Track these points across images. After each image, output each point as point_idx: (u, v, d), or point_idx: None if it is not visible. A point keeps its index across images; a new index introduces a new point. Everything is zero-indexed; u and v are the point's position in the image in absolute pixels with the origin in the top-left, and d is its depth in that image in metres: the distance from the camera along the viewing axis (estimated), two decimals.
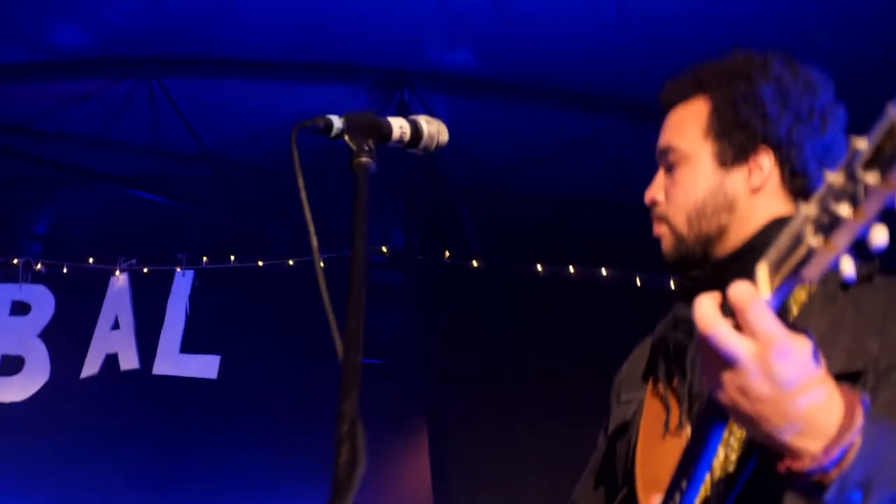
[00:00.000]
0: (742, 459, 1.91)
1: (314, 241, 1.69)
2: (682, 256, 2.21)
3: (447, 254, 6.46)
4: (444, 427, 6.56)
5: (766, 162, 2.12)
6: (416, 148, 2.04)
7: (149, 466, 7.98)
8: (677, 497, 1.84)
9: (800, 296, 2.02)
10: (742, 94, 2.13)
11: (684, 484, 1.81)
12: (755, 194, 2.12)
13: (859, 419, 1.49)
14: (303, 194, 1.74)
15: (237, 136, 6.46)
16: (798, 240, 1.37)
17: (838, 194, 1.29)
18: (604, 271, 6.18)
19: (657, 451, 2.11)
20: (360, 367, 1.43)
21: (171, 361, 6.42)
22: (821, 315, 1.94)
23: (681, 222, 2.18)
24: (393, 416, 7.76)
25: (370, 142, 1.88)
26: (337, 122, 1.87)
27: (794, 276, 1.40)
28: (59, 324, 6.66)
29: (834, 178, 1.30)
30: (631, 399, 2.32)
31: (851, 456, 1.49)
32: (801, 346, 1.47)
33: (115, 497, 7.60)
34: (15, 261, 6.65)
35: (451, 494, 6.40)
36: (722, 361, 1.50)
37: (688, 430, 2.13)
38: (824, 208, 1.31)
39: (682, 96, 2.25)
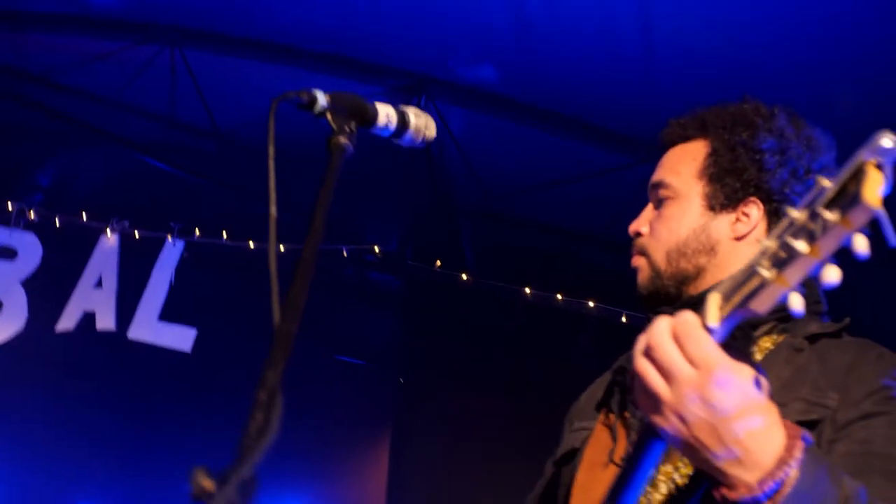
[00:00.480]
0: (684, 496, 1.89)
1: (272, 210, 1.65)
2: (656, 291, 2.20)
3: (438, 263, 6.45)
4: (407, 432, 6.54)
5: (754, 212, 2.11)
6: (400, 138, 2.02)
7: (115, 432, 7.96)
8: None
9: (765, 344, 2.01)
10: (742, 142, 2.14)
11: None
12: (738, 241, 2.12)
13: (798, 454, 1.48)
14: (270, 164, 1.71)
15: (250, 116, 6.45)
16: (752, 272, 1.37)
17: (798, 231, 1.30)
18: (591, 304, 6.16)
19: (597, 479, 2.09)
20: (292, 338, 1.40)
21: (148, 328, 6.38)
22: (784, 363, 1.94)
23: (660, 258, 2.19)
24: (361, 415, 7.75)
25: (353, 124, 1.85)
26: (321, 98, 1.84)
27: (744, 308, 1.40)
28: (44, 275, 6.63)
29: (797, 214, 1.31)
30: (583, 427, 2.32)
31: (787, 490, 1.47)
32: (742, 375, 1.47)
33: (77, 458, 7.57)
34: (10, 206, 6.64)
35: (405, 497, 6.36)
36: (661, 383, 1.49)
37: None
38: (783, 243, 1.32)
39: (684, 137, 2.27)
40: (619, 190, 5.84)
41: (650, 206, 2.26)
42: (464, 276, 6.38)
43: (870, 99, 4.98)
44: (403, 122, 1.97)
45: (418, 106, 6.14)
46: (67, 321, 6.44)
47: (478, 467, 6.10)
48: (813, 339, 1.98)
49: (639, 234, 2.25)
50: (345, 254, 6.48)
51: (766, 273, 1.33)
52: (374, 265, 6.75)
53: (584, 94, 5.84)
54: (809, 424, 1.79)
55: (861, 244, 1.26)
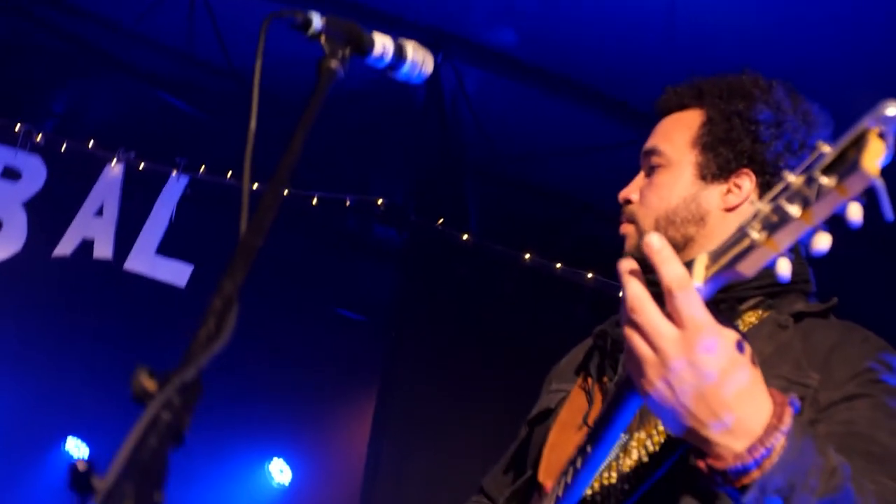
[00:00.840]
0: (654, 463, 1.88)
1: (252, 124, 1.63)
2: (642, 259, 2.17)
3: (441, 220, 6.42)
4: (394, 388, 6.53)
5: (746, 183, 2.09)
6: (396, 71, 1.98)
7: (107, 363, 7.97)
8: (570, 473, 1.80)
9: (749, 318, 2.00)
10: (738, 112, 2.12)
11: (579, 462, 1.78)
12: (728, 212, 2.10)
13: (787, 421, 1.45)
14: (256, 79, 1.68)
15: (266, 61, 6.40)
16: (742, 234, 1.35)
17: (793, 195, 1.27)
18: (589, 275, 6.13)
19: (569, 440, 2.08)
20: (254, 252, 1.38)
21: (145, 260, 6.36)
22: (767, 339, 1.93)
23: (649, 225, 2.17)
24: (351, 368, 7.76)
25: (347, 50, 1.82)
26: (317, 20, 1.81)
27: (730, 269, 1.37)
28: (45, 199, 6.62)
29: (793, 179, 1.28)
30: (560, 389, 2.32)
31: (775, 458, 1.45)
32: (726, 337, 1.43)
33: (68, 388, 7.59)
34: (18, 126, 6.62)
35: (385, 453, 6.37)
36: (646, 348, 1.46)
37: None
38: (776, 207, 1.29)
39: (680, 105, 2.26)
40: (629, 165, 5.78)
41: (641, 174, 2.26)
42: (465, 236, 6.35)
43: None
44: (400, 54, 1.93)
45: (435, 63, 6.09)
46: (65, 247, 6.42)
47: (461, 427, 6.11)
48: (798, 317, 1.96)
49: (628, 202, 2.24)
50: (348, 203, 6.44)
51: (756, 235, 1.31)
52: (378, 218, 6.71)
53: (602, 66, 5.78)
54: None
55: (855, 212, 1.24)
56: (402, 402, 6.41)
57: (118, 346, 7.97)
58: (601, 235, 6.20)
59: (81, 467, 1.10)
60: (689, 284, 1.42)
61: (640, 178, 2.25)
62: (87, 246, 6.46)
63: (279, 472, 8.76)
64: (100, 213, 6.45)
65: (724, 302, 1.97)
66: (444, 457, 5.97)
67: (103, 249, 6.36)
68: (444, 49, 5.99)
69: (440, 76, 6.03)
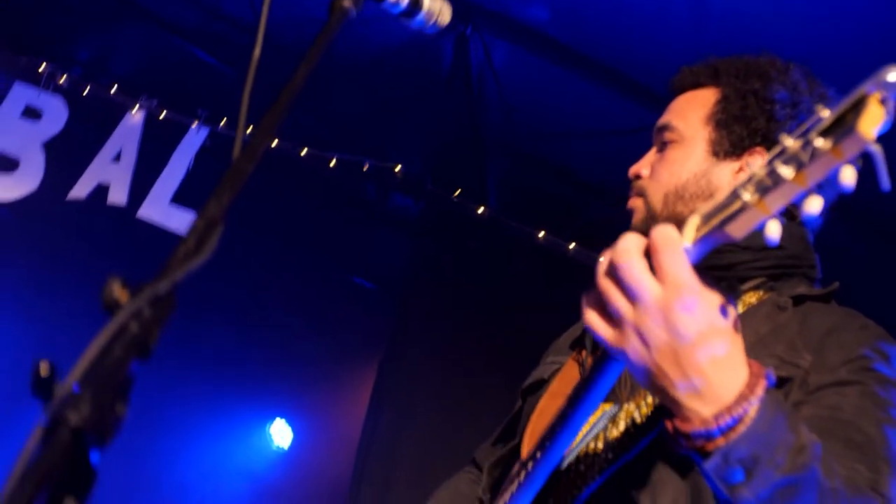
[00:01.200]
0: (640, 434, 1.86)
1: (257, 51, 1.60)
2: (648, 233, 2.16)
3: (458, 192, 6.39)
4: (398, 357, 6.51)
5: (758, 162, 2.06)
6: (411, 19, 1.94)
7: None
8: (548, 438, 1.79)
9: (750, 299, 1.99)
10: (754, 90, 2.12)
11: (557, 427, 1.76)
12: None
13: (759, 392, 1.42)
14: (265, 7, 1.65)
15: (293, 17, 6.38)
16: (735, 195, 1.32)
17: (788, 158, 1.25)
18: (602, 258, 6.09)
19: (556, 406, 2.06)
20: (245, 176, 1.35)
21: (159, 209, 6.35)
22: (764, 319, 1.91)
23: (657, 200, 2.17)
24: (357, 334, 7.76)
25: None
26: None
27: (720, 230, 1.35)
28: (64, 141, 6.61)
29: (789, 142, 1.26)
30: (555, 361, 2.33)
31: (741, 429, 1.42)
32: (709, 300, 1.40)
33: (75, 332, 7.61)
34: (42, 66, 6.61)
35: (383, 420, 6.36)
36: (623, 302, 1.43)
37: None
38: (771, 170, 1.27)
39: (695, 84, 2.26)
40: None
41: (653, 150, 2.26)
42: (481, 210, 6.32)
43: None
44: (416, 1, 1.89)
45: (462, 34, 6.05)
46: (81, 190, 6.42)
47: (461, 401, 6.08)
48: (799, 300, 1.94)
49: (638, 177, 2.24)
50: (366, 168, 6.42)
51: (748, 197, 1.29)
52: (395, 185, 6.69)
53: (631, 50, 5.73)
54: (778, 382, 1.75)
55: (848, 176, 1.21)
56: (404, 372, 6.40)
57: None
58: (617, 219, 6.16)
59: (44, 371, 1.09)
60: (675, 242, 1.39)
61: (651, 154, 2.25)
62: (102, 191, 6.45)
63: (280, 434, 8.80)
64: (117, 158, 6.43)
65: (725, 280, 1.95)
66: (443, 429, 5.95)
67: (118, 195, 6.36)
68: (473, 21, 5.95)
69: (468, 48, 5.99)
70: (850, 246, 5.33)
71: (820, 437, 1.55)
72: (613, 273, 1.44)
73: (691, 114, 2.18)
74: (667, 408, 1.48)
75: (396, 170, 6.45)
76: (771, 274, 1.99)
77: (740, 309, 1.96)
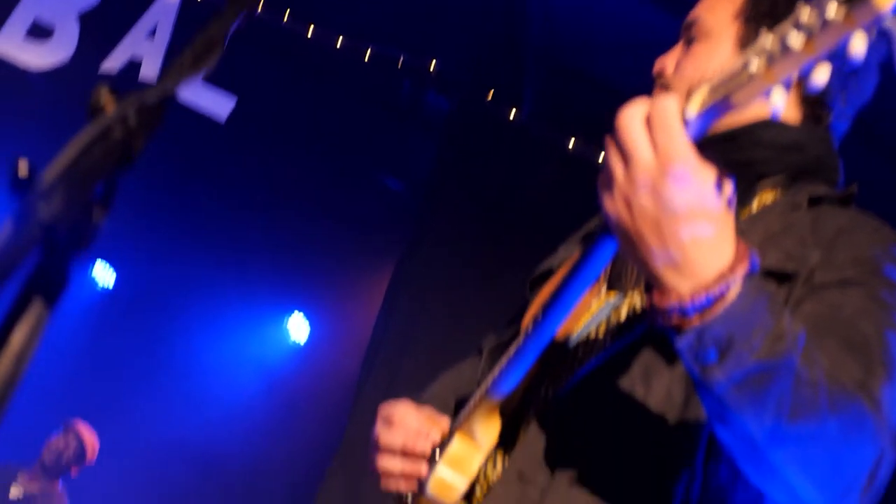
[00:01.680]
0: (638, 321, 1.84)
1: None
2: None
3: (491, 94, 6.31)
4: (417, 257, 6.47)
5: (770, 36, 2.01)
6: None
7: (136, 187, 8.03)
8: (541, 314, 1.76)
9: (766, 197, 1.94)
10: None
11: (550, 303, 1.74)
12: None
13: (741, 271, 1.37)
14: None
15: None
16: (743, 66, 1.27)
17: (799, 26, 1.20)
18: None
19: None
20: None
21: (190, 87, 6.29)
22: (777, 217, 1.86)
23: (681, 95, 2.11)
24: (380, 232, 7.76)
25: None
26: None
27: (725, 101, 1.31)
28: (101, 14, 6.55)
29: (803, 11, 1.20)
30: (566, 253, 2.30)
31: (718, 309, 1.37)
32: (702, 176, 1.36)
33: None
34: None
35: (396, 317, 6.35)
36: (619, 164, 1.40)
37: (600, 286, 2.06)
38: (780, 39, 1.22)
39: None
40: None
41: (679, 46, 2.20)
42: (512, 114, 6.25)
43: None
44: None
45: None
46: (113, 62, 6.38)
47: (476, 304, 6.05)
48: (815, 201, 1.88)
49: (662, 73, 2.19)
50: (400, 64, 6.34)
51: (755, 67, 1.24)
52: (429, 83, 6.60)
53: None
54: (783, 277, 1.70)
55: (858, 45, 1.16)
56: (420, 272, 6.35)
57: (151, 171, 8.01)
58: None
59: (22, 170, 1.05)
60: (672, 111, 1.35)
61: (677, 50, 2.19)
62: (134, 66, 6.43)
63: (297, 328, 8.88)
64: (152, 34, 6.39)
65: (742, 176, 1.90)
66: (455, 330, 5.93)
67: (150, 70, 6.32)
68: None
69: None
70: (874, 174, 5.24)
71: (816, 334, 1.50)
72: (614, 135, 1.40)
73: (720, 9, 2.11)
74: (648, 281, 1.44)
75: (431, 67, 6.35)
76: (790, 174, 1.94)
77: (755, 208, 1.91)
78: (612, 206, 1.41)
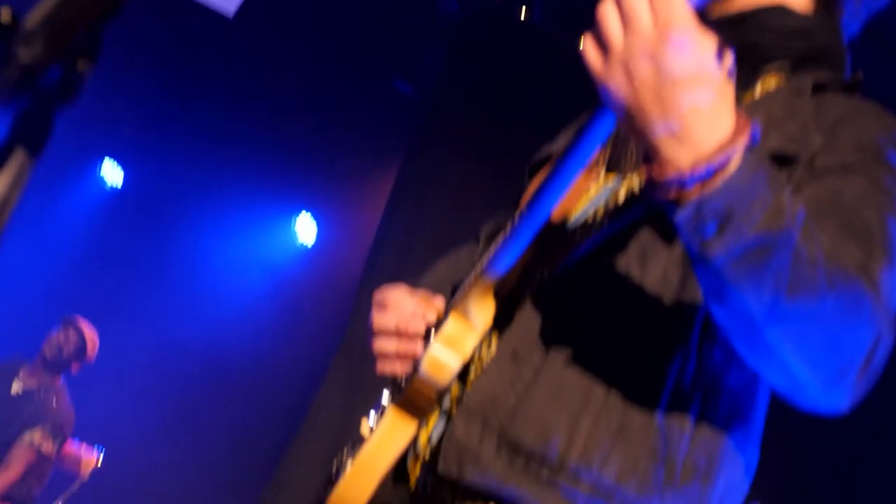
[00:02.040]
0: (635, 202, 1.81)
1: None
2: None
3: None
4: (422, 159, 6.44)
5: None
6: None
7: (146, 85, 7.99)
8: (538, 193, 1.74)
9: (770, 81, 1.90)
10: None
11: (547, 181, 1.71)
12: None
13: (741, 143, 1.35)
14: None
15: None
16: None
17: None
18: None
19: None
20: None
21: None
22: (780, 102, 1.82)
23: None
24: (387, 135, 7.72)
25: None
26: None
27: None
28: None
29: None
30: (566, 139, 2.26)
31: (718, 181, 1.35)
32: (702, 44, 1.33)
33: (108, 106, 7.60)
34: None
35: (397, 219, 6.34)
36: (617, 30, 1.37)
37: (599, 170, 2.04)
38: None
39: None
40: None
41: None
42: (523, 13, 6.15)
43: None
44: None
45: None
46: None
47: (477, 206, 6.02)
48: (820, 88, 1.85)
49: None
50: None
51: None
52: None
53: None
54: (784, 160, 1.66)
55: None
56: (424, 173, 6.32)
57: (161, 69, 7.95)
58: None
59: (5, 17, 1.03)
60: None
61: None
62: None
63: (304, 228, 8.88)
64: None
65: (747, 59, 1.86)
66: (458, 231, 5.91)
67: None
68: None
69: None
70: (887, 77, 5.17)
71: (817, 216, 1.48)
72: (613, 2, 1.37)
73: None
74: (646, 154, 1.42)
75: None
76: (795, 60, 1.90)
77: (758, 93, 1.86)
78: (609, 75, 1.38)
